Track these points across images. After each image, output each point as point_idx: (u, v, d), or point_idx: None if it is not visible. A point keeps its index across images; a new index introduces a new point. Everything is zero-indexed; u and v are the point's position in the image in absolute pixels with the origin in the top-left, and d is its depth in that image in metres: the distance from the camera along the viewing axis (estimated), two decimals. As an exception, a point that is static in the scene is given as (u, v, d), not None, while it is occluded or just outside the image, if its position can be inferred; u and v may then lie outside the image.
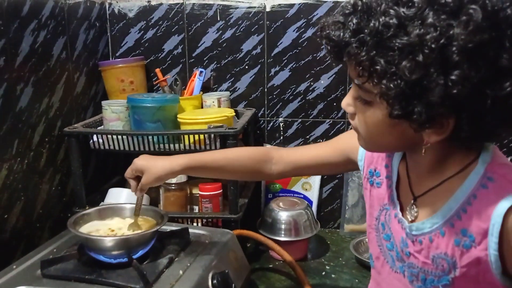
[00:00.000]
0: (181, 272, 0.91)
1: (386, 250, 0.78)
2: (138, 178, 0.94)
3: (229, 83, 1.51)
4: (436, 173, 0.69)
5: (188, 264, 0.94)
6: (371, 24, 0.57)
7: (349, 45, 0.59)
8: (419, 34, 0.54)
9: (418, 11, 0.55)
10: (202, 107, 1.43)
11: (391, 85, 0.56)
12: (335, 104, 1.47)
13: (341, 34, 0.60)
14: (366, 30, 0.58)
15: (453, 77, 0.54)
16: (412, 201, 0.72)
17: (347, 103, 0.69)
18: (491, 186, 0.63)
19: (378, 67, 0.57)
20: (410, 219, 0.72)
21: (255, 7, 1.45)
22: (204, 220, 1.29)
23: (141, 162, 0.93)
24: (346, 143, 0.88)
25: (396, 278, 0.76)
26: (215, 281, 0.92)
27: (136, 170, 0.93)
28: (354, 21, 0.59)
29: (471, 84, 0.54)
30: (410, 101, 0.57)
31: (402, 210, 0.74)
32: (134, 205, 1.02)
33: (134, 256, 0.91)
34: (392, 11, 0.56)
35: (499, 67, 0.55)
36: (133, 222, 1.00)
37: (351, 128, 0.75)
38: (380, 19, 0.56)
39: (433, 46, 0.54)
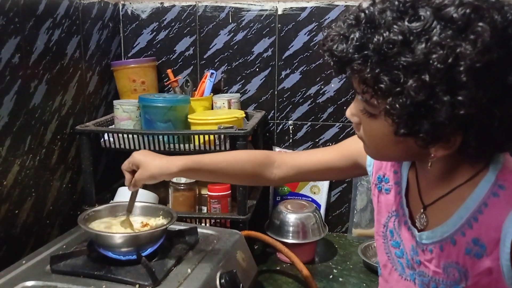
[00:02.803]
0: (189, 270, 0.91)
1: (394, 258, 0.76)
2: (133, 172, 0.92)
3: (240, 85, 1.52)
4: (445, 181, 0.67)
5: (196, 263, 0.95)
6: (375, 40, 0.55)
7: (352, 61, 0.58)
8: (425, 52, 0.52)
9: (424, 26, 0.53)
10: (212, 108, 1.44)
11: (397, 104, 0.55)
12: (345, 108, 1.46)
13: (344, 48, 0.58)
14: (370, 46, 0.56)
15: (460, 98, 0.52)
16: (422, 210, 0.71)
17: (351, 113, 0.68)
18: (502, 194, 0.62)
19: (382, 86, 0.55)
20: (419, 228, 0.71)
21: (267, 10, 1.46)
22: (213, 221, 1.29)
23: (139, 156, 0.91)
24: (354, 147, 0.86)
25: (405, 285, 0.75)
26: (223, 281, 0.92)
27: (133, 163, 0.91)
28: (357, 35, 0.57)
29: (479, 104, 0.53)
30: (416, 120, 0.55)
31: (411, 218, 0.73)
32: (143, 203, 1.02)
33: (143, 254, 0.92)
34: (396, 27, 0.54)
35: (507, 85, 0.54)
36: (125, 219, 0.99)
37: None
38: (384, 35, 0.55)
39: (439, 66, 0.52)
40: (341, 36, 0.59)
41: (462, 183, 0.65)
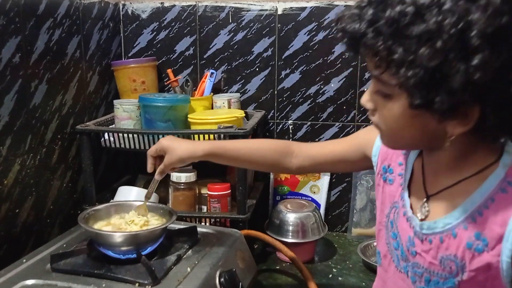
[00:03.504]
0: (189, 269, 0.92)
1: (392, 249, 0.77)
2: (159, 158, 0.95)
3: (240, 85, 1.52)
4: (453, 172, 0.67)
5: (196, 262, 0.95)
6: (387, 14, 0.57)
7: (365, 36, 0.59)
8: (437, 20, 0.54)
9: None
10: (212, 108, 1.44)
11: (410, 74, 0.55)
12: (344, 107, 1.47)
13: (357, 26, 0.60)
14: (382, 20, 0.57)
15: (473, 63, 0.53)
16: (425, 199, 0.71)
17: (366, 99, 0.69)
18: (510, 191, 0.62)
19: (395, 56, 0.56)
20: (420, 218, 0.71)
21: (267, 9, 1.46)
22: (212, 220, 1.30)
23: (167, 142, 0.94)
24: (363, 138, 0.87)
25: (400, 277, 0.76)
26: (222, 279, 0.92)
27: (161, 149, 0.94)
28: (370, 11, 0.58)
29: (493, 69, 0.53)
30: (431, 89, 0.56)
31: (412, 208, 0.73)
32: (143, 203, 1.03)
33: (143, 253, 0.92)
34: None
35: None
36: (142, 205, 1.01)
37: (370, 124, 0.74)
38: (396, 8, 0.56)
39: (451, 31, 0.53)
40: (355, 16, 0.61)
41: (469, 175, 0.65)
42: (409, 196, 0.75)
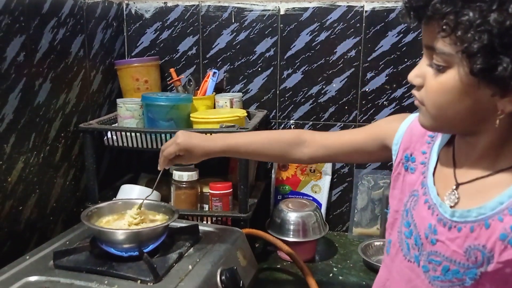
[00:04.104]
0: (190, 267, 0.93)
1: (403, 238, 0.76)
2: (177, 156, 0.97)
3: (242, 84, 1.53)
4: (488, 161, 0.67)
5: (197, 260, 0.96)
6: None
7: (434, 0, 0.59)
8: None
9: None
10: (214, 107, 1.45)
11: (477, 37, 0.56)
12: (346, 107, 1.48)
13: None
14: None
15: None
16: (454, 187, 0.70)
17: (415, 74, 0.68)
18: None
19: (464, 18, 0.56)
20: (449, 205, 0.69)
21: (269, 10, 1.47)
22: (214, 219, 1.30)
23: (187, 141, 0.95)
24: (382, 127, 0.86)
25: (407, 267, 0.75)
26: (223, 277, 0.93)
27: (183, 149, 0.95)
28: None
29: None
30: (496, 54, 0.56)
31: (436, 196, 0.72)
32: (145, 201, 1.04)
33: (145, 250, 0.93)
34: None
35: None
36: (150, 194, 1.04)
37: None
38: None
39: None
40: None
41: (506, 167, 0.65)
42: (434, 183, 0.74)
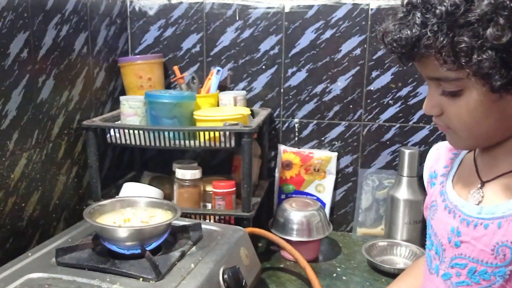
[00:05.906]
0: (192, 265, 0.92)
1: (426, 251, 0.77)
2: None
3: (246, 82, 1.52)
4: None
5: (200, 258, 0.95)
6: (438, 11, 0.57)
7: (422, 39, 0.58)
8: (490, 1, 0.54)
9: None
10: (218, 105, 1.44)
11: (483, 57, 0.55)
12: (351, 106, 1.46)
13: (409, 32, 0.59)
14: (434, 19, 0.57)
15: None
16: (479, 185, 0.69)
17: (431, 106, 0.67)
18: None
19: (463, 45, 0.56)
20: (475, 203, 0.69)
21: (274, 7, 1.46)
22: (217, 217, 1.30)
23: None
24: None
25: (430, 280, 0.75)
26: (226, 276, 0.92)
27: None
28: (418, 15, 0.58)
29: None
30: (509, 64, 0.56)
31: (461, 197, 0.72)
32: (148, 198, 1.03)
33: (147, 248, 0.93)
34: None
35: None
36: None
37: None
38: (445, 2, 0.56)
39: (509, 5, 0.54)
40: (401, 25, 0.60)
41: None
42: (453, 187, 0.73)
